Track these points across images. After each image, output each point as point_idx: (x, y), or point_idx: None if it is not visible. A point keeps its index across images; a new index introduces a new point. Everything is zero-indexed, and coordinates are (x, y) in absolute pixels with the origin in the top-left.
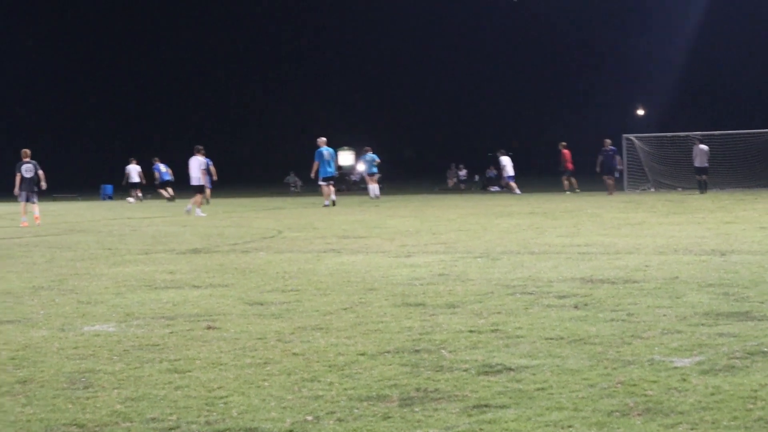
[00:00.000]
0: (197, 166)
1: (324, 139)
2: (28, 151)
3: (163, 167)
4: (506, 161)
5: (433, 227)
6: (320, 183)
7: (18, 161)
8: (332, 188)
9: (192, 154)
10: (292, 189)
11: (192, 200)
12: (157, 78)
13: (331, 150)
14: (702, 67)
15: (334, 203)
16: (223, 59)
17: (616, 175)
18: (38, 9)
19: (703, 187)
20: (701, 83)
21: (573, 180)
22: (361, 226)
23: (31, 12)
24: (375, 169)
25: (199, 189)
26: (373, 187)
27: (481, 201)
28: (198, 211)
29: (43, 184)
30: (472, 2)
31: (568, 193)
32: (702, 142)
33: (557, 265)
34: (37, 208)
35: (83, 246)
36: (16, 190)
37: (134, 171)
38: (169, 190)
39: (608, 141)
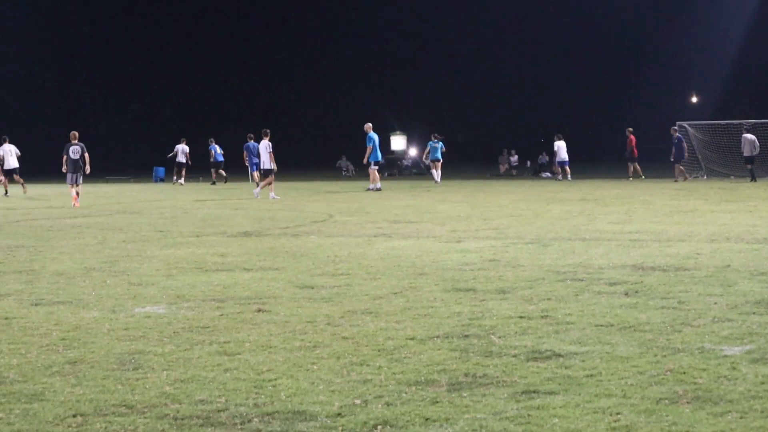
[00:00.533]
0: (265, 148)
1: (371, 124)
2: (76, 133)
3: (218, 148)
4: (560, 145)
5: (484, 213)
6: (374, 168)
7: (67, 142)
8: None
9: (246, 139)
10: (344, 173)
11: (268, 186)
12: (209, 61)
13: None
14: (758, 54)
15: (369, 189)
16: (276, 42)
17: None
18: None
19: (753, 176)
20: (757, 70)
21: (637, 166)
22: (412, 211)
23: None
24: (439, 155)
25: (268, 172)
26: (436, 173)
27: (532, 187)
28: (272, 195)
29: (88, 168)
30: None
31: (632, 179)
32: (749, 131)
33: (608, 251)
34: (79, 189)
35: (135, 228)
36: (64, 168)
37: (181, 151)
38: (222, 172)
39: (675, 129)
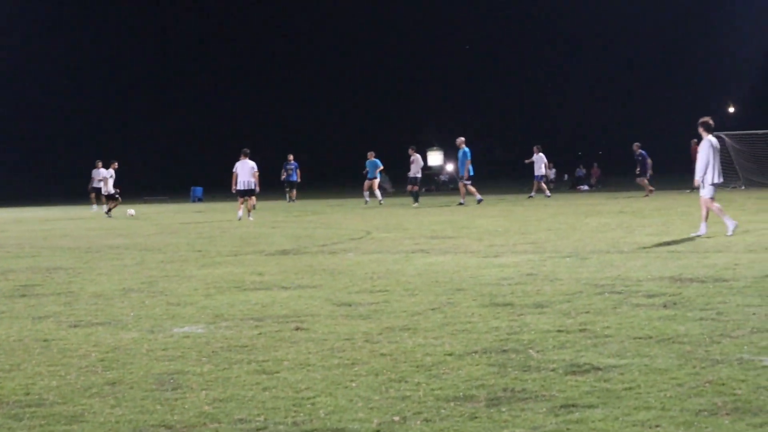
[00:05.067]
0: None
1: (463, 138)
2: None
3: (292, 167)
4: (537, 158)
5: (521, 227)
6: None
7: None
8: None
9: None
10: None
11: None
12: (247, 79)
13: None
14: None
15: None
16: (320, 65)
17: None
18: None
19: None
20: None
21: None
22: (449, 227)
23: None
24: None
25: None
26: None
27: (569, 200)
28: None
29: None
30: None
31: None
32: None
33: (646, 264)
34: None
35: (173, 248)
36: None
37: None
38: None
39: (638, 145)
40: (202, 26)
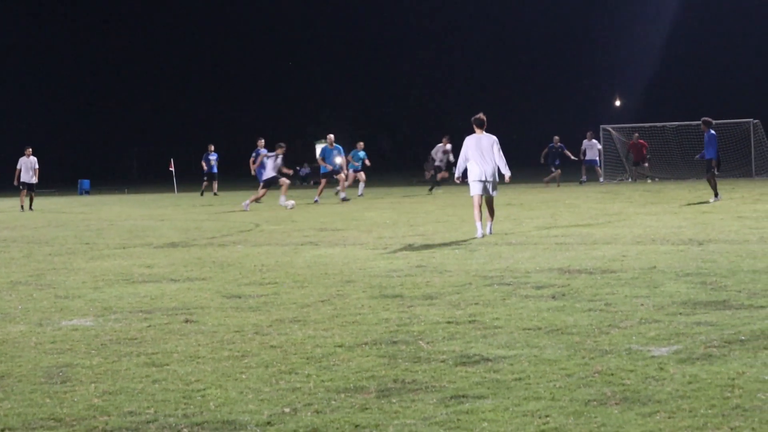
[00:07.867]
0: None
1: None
2: None
3: (213, 158)
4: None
5: (410, 219)
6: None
7: None
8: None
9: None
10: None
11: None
12: (134, 72)
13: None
14: (679, 56)
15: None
16: (209, 54)
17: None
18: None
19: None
20: (680, 73)
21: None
22: (338, 219)
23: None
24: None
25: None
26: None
27: (458, 192)
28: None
29: None
30: None
31: (649, 181)
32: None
33: (535, 255)
34: None
35: (61, 241)
36: None
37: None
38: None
39: (556, 138)
40: (92, 14)
